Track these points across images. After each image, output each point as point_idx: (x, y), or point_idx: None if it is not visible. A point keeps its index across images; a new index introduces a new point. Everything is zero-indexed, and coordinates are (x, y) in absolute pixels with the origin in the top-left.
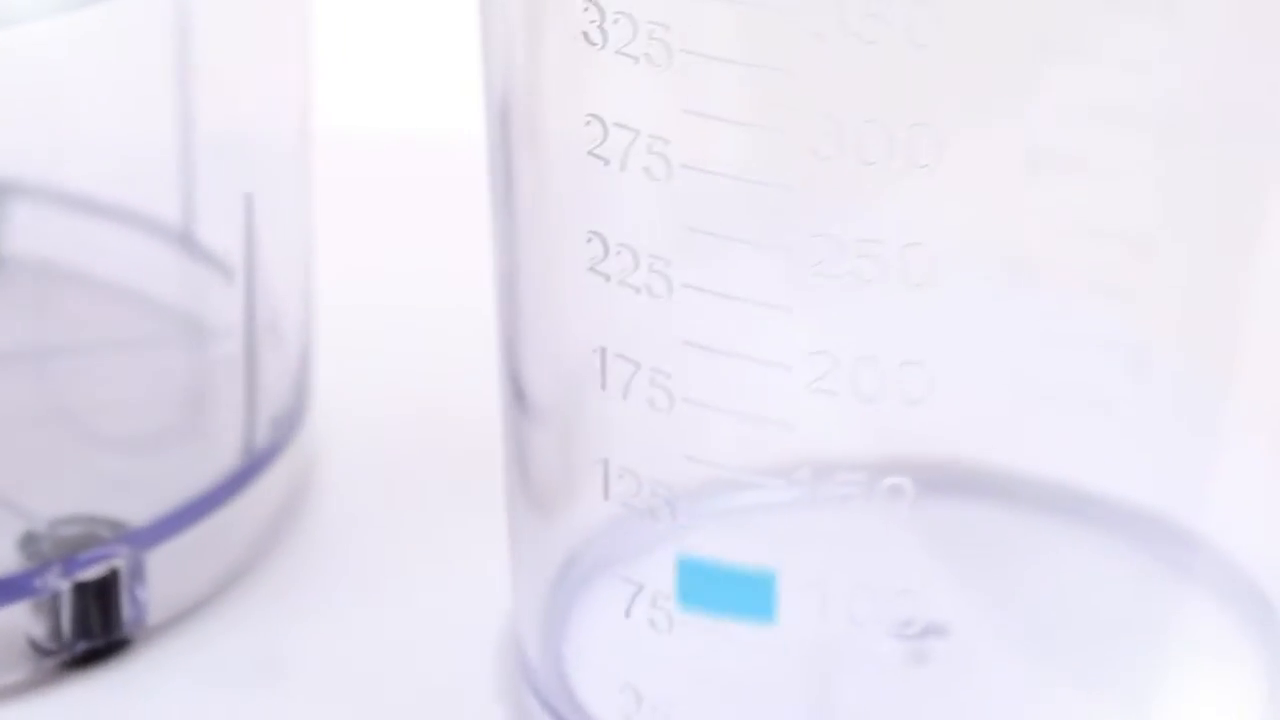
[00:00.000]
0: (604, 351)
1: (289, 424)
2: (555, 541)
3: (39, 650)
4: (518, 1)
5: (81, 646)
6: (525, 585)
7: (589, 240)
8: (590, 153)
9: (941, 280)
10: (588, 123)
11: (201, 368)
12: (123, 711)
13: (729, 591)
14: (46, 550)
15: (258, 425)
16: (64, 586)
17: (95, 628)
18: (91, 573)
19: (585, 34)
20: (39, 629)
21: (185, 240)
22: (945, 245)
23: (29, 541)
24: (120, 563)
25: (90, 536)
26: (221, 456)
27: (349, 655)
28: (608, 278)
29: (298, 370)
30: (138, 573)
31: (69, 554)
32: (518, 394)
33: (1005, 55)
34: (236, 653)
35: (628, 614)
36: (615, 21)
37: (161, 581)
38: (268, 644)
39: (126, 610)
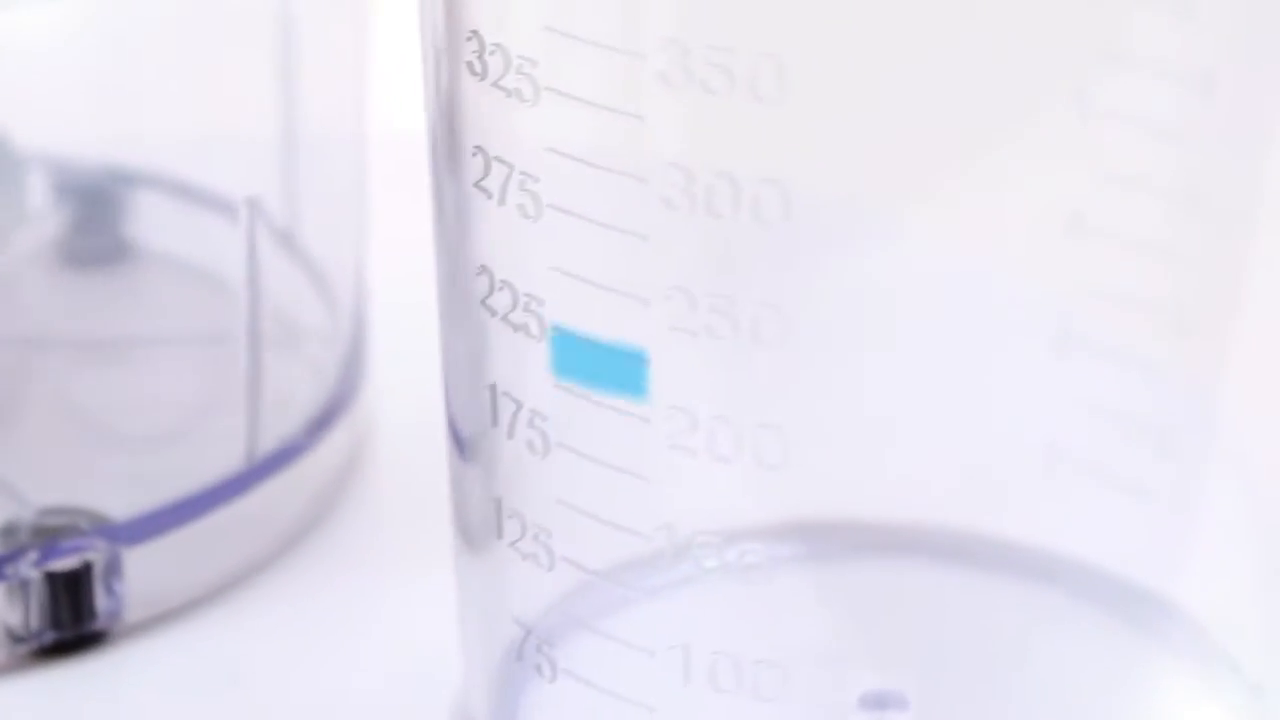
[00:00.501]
0: (494, 389)
1: (330, 418)
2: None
3: (12, 637)
4: (440, 28)
5: (50, 636)
6: (469, 622)
7: (479, 274)
8: (476, 185)
9: (800, 342)
10: (474, 154)
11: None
12: (84, 704)
13: (602, 366)
14: (24, 538)
15: (260, 432)
16: (34, 575)
17: (65, 619)
18: (63, 563)
19: (469, 64)
20: (14, 616)
21: (285, 238)
22: (799, 304)
23: (11, 528)
24: (95, 556)
25: (69, 528)
26: (221, 460)
27: (324, 678)
28: (493, 313)
29: (345, 365)
30: (114, 567)
31: (46, 543)
32: (452, 429)
33: (862, 107)
34: (208, 661)
35: (519, 657)
36: (492, 53)
37: (150, 578)
38: (244, 655)
39: (101, 604)
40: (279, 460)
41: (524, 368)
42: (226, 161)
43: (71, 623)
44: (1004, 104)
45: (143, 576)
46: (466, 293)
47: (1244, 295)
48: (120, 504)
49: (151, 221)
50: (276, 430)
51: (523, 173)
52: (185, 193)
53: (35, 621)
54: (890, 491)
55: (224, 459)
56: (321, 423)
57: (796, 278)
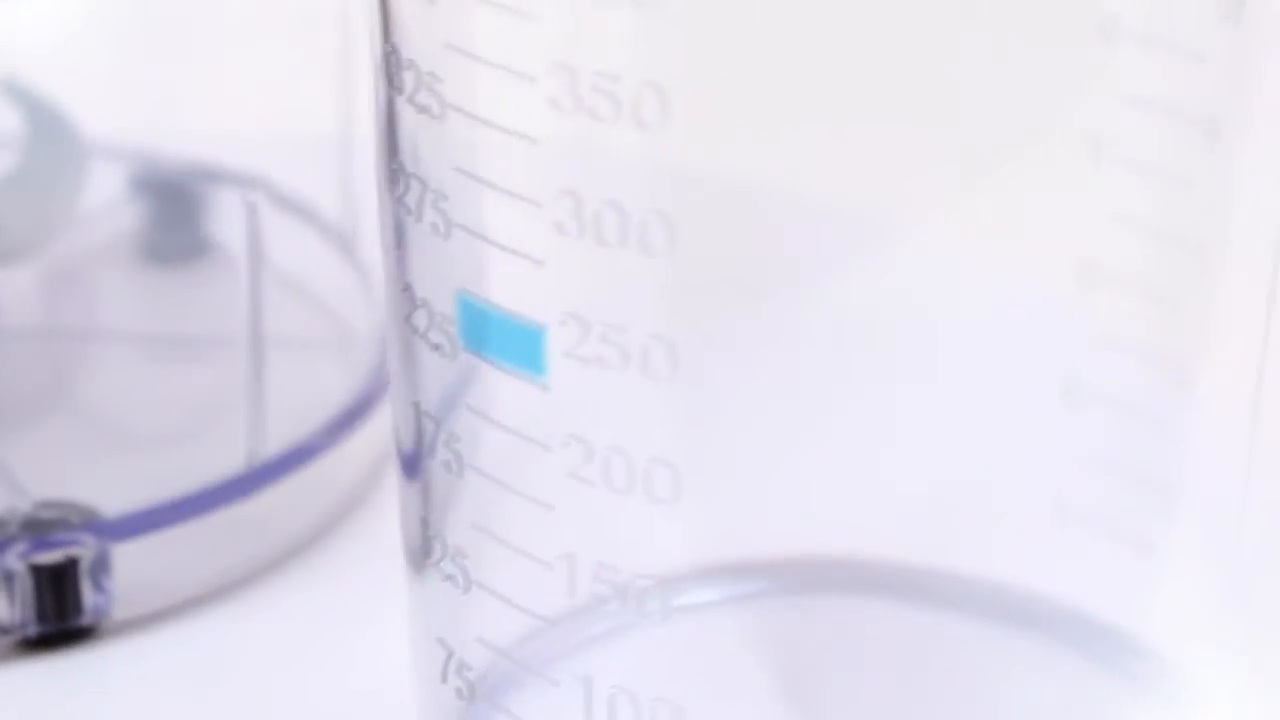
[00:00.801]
0: (417, 407)
1: (349, 423)
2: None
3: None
4: (376, 40)
5: (35, 629)
6: (413, 643)
7: (404, 290)
8: (399, 200)
9: (690, 377)
10: (398, 169)
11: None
12: (65, 697)
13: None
14: (13, 530)
15: (264, 436)
16: (20, 567)
17: (50, 612)
18: (48, 557)
19: (391, 78)
20: (1, 607)
21: (345, 241)
22: (689, 338)
23: (2, 520)
24: (82, 551)
25: (59, 522)
26: (224, 461)
27: (308, 686)
28: (415, 330)
29: (376, 369)
30: (103, 563)
31: (34, 536)
32: (396, 446)
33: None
34: (194, 662)
35: (443, 679)
36: (407, 68)
37: (144, 576)
38: (232, 659)
39: (89, 599)
40: (286, 464)
41: (441, 387)
42: (296, 164)
43: (56, 617)
44: (1004, 142)
45: (137, 574)
46: (397, 309)
47: (1243, 345)
48: (132, 503)
49: (234, 221)
50: (301, 432)
51: (434, 190)
52: (265, 194)
53: (20, 614)
54: (795, 529)
55: (227, 461)
56: (338, 427)
57: (685, 312)
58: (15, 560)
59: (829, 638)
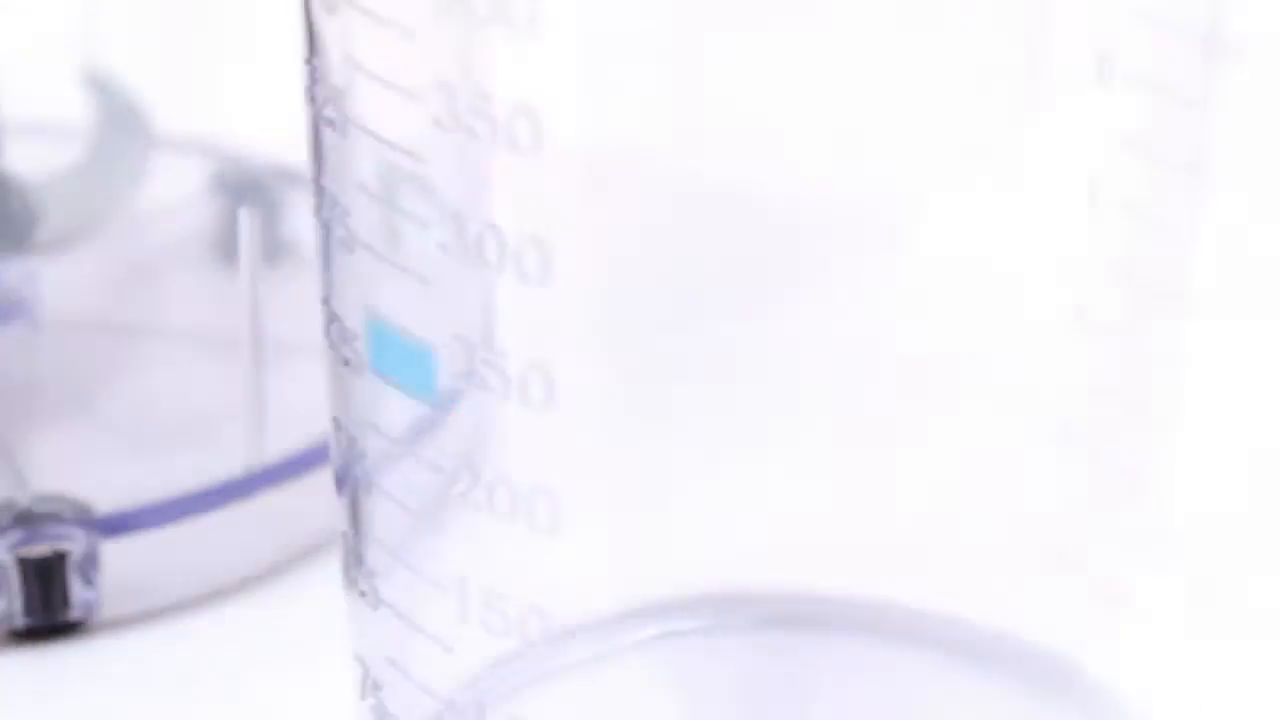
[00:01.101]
0: (337, 421)
1: None
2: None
3: None
4: (305, 56)
5: (22, 621)
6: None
7: (324, 304)
8: (318, 213)
9: (571, 406)
10: (316, 182)
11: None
12: (47, 689)
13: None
14: (5, 521)
15: (260, 440)
16: (8, 559)
17: (37, 606)
18: (37, 550)
19: (308, 91)
20: None
21: None
22: (565, 367)
23: None
24: (71, 546)
25: (51, 516)
26: (222, 464)
27: (293, 695)
28: (332, 345)
29: None
30: (92, 559)
31: (26, 528)
32: (331, 461)
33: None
34: (181, 662)
35: (362, 696)
36: (319, 82)
37: (138, 574)
38: (220, 661)
39: (76, 594)
40: (286, 469)
41: (353, 402)
42: None
43: (43, 610)
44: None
45: (131, 572)
46: (322, 324)
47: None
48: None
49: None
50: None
51: (341, 205)
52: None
53: (6, 605)
54: (699, 564)
55: (230, 463)
56: None
57: (562, 341)
58: (3, 552)
59: (744, 675)
